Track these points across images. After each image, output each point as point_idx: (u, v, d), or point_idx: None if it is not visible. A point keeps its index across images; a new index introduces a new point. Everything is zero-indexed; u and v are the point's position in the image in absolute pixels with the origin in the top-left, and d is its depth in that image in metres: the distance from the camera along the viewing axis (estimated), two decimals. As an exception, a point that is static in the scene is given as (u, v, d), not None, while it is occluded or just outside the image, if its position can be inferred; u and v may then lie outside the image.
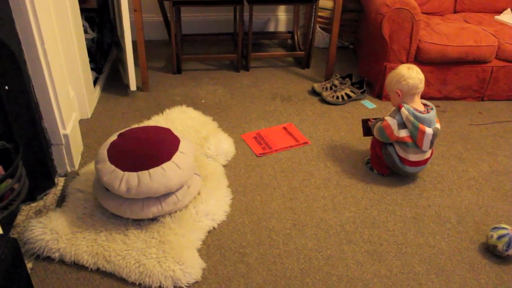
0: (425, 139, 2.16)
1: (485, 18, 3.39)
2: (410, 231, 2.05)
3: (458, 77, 3.07)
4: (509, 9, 3.48)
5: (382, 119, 2.25)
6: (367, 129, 2.38)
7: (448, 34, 2.97)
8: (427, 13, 3.40)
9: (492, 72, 3.08)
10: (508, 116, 3.02)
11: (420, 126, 2.13)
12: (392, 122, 2.18)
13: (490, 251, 1.95)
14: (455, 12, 3.56)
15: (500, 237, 1.89)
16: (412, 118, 2.14)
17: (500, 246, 1.88)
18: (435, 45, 2.93)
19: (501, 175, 2.45)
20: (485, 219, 2.14)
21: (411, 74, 2.14)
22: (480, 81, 3.11)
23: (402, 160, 2.23)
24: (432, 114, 2.18)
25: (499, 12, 3.52)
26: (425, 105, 2.23)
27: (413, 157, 2.22)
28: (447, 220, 2.12)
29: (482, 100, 3.20)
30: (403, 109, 2.16)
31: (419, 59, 2.99)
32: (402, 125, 2.17)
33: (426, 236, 2.03)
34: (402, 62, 2.93)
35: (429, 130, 2.15)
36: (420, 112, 2.16)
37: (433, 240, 2.01)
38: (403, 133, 2.18)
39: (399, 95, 2.18)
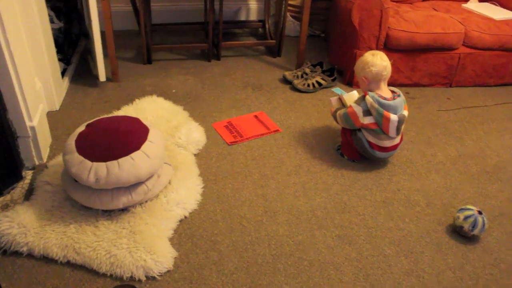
0: (391, 126, 2.19)
1: (452, 6, 3.44)
2: (380, 215, 2.08)
3: (427, 64, 3.12)
4: (475, -3, 3.55)
5: (346, 107, 2.30)
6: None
7: (417, 21, 3.01)
8: (396, 1, 3.43)
9: (460, 59, 3.14)
10: (475, 102, 3.09)
11: (385, 113, 2.16)
12: (357, 109, 2.21)
13: (457, 232, 2.00)
14: (423, 0, 3.60)
15: (466, 218, 1.94)
16: (376, 105, 2.16)
17: (466, 226, 1.93)
18: (404, 32, 2.96)
19: (468, 159, 2.50)
20: (452, 201, 2.19)
21: (375, 62, 2.17)
22: (448, 68, 3.16)
23: (372, 145, 2.26)
24: (398, 101, 2.21)
25: (466, 0, 3.57)
26: (392, 92, 2.26)
27: (382, 143, 2.25)
28: (416, 203, 2.16)
29: (450, 86, 3.26)
30: (367, 97, 2.19)
31: (389, 46, 3.02)
32: (367, 112, 2.20)
33: (396, 220, 2.06)
34: (372, 49, 2.95)
35: (393, 117, 2.17)
36: (385, 99, 2.19)
37: (402, 223, 2.04)
38: (367, 120, 2.21)
39: (365, 82, 2.21)
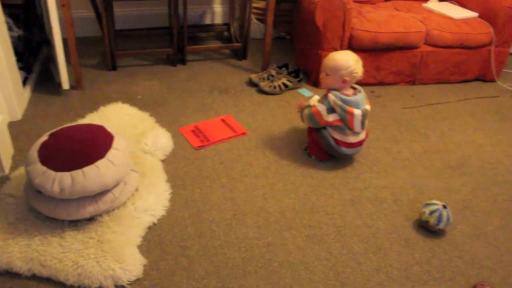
0: (355, 120, 2.23)
1: (414, 6, 3.52)
2: (349, 213, 2.10)
3: (391, 63, 3.18)
4: (435, -4, 3.63)
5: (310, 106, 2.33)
6: None
7: (379, 21, 3.06)
8: (359, 2, 3.48)
9: (422, 57, 3.21)
10: (438, 99, 3.16)
11: (348, 108, 2.20)
12: (321, 107, 2.24)
13: (423, 227, 2.04)
14: (386, 0, 3.67)
15: (431, 213, 1.98)
16: (339, 102, 2.20)
17: (432, 221, 1.97)
18: (368, 32, 3.01)
19: (433, 154, 2.56)
20: (418, 197, 2.23)
21: (360, 68, 2.24)
22: (411, 66, 3.23)
23: (337, 142, 2.29)
24: (359, 96, 2.26)
25: (426, 0, 3.67)
26: (353, 88, 2.31)
27: (347, 139, 2.28)
28: (383, 200, 2.20)
29: (414, 84, 3.32)
30: (330, 95, 2.23)
31: (353, 46, 3.06)
32: (331, 109, 2.23)
33: (364, 217, 2.09)
34: (336, 50, 2.99)
35: (357, 112, 2.22)
36: (347, 95, 2.23)
37: (370, 221, 2.07)
38: (331, 118, 2.24)
39: (345, 82, 2.23)
